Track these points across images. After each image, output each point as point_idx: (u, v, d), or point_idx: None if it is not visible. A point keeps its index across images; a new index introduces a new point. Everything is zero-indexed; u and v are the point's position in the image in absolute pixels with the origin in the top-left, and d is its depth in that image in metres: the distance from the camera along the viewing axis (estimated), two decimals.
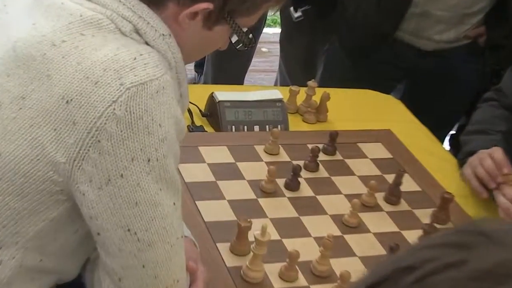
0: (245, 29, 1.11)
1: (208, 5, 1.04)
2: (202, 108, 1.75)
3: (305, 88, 1.81)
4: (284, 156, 1.63)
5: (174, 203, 1.05)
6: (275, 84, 2.85)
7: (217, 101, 1.69)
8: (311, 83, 1.81)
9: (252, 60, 2.91)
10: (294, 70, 2.71)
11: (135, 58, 1.00)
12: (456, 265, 0.34)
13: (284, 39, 2.75)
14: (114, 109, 0.98)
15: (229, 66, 2.75)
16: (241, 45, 1.13)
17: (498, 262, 0.33)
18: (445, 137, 2.39)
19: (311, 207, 1.49)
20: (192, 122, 1.69)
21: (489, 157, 1.50)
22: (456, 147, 2.07)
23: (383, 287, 0.36)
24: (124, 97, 0.98)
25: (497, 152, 1.51)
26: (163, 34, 1.05)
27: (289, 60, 2.76)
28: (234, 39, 1.12)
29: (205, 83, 2.93)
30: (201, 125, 1.70)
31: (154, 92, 0.99)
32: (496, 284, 0.32)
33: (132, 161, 0.99)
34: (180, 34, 1.08)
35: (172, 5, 1.05)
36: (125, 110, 0.98)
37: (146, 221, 1.02)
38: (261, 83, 3.35)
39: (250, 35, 1.13)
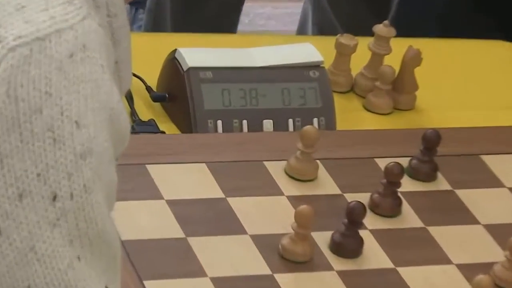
0: None
1: None
2: (153, 84, 1.77)
3: (369, 40, 1.83)
4: (327, 184, 1.67)
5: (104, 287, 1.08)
6: (300, 31, 2.88)
7: (185, 68, 1.72)
8: (381, 28, 1.82)
9: None
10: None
11: None
12: None
13: None
14: None
15: None
16: None
17: None
18: None
19: None
20: (134, 113, 1.72)
21: None
22: None
23: None
24: (3, 67, 1.01)
25: None
26: None
27: None
28: None
29: (154, 29, 2.95)
30: (151, 120, 1.74)
31: (65, 57, 1.01)
32: None
33: (20, 200, 1.00)
34: None
35: None
36: (6, 94, 1.00)
37: None
38: (273, 28, 3.35)
39: None
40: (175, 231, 1.53)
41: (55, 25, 1.00)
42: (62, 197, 1.00)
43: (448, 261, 1.57)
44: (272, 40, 2.13)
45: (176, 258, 1.50)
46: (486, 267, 1.52)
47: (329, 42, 1.87)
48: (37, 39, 0.99)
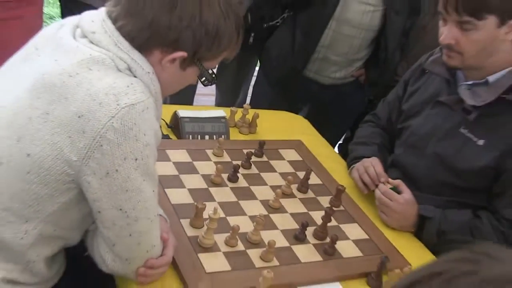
0: (210, 71, 1.11)
1: (184, 54, 1.05)
2: (168, 121, 1.69)
3: (241, 109, 1.77)
4: (227, 158, 1.58)
5: (153, 190, 1.06)
6: (216, 103, 2.83)
7: (179, 117, 1.65)
8: (246, 105, 1.80)
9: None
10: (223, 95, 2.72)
11: (128, 86, 1.01)
12: (472, 273, 0.35)
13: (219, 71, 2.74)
14: (112, 122, 0.97)
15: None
16: (206, 81, 1.12)
17: (501, 273, 0.34)
18: (335, 145, 2.39)
19: (247, 194, 1.46)
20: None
21: (371, 167, 1.51)
22: (343, 152, 2.02)
23: (420, 286, 0.37)
24: (120, 114, 0.98)
25: (378, 166, 1.51)
26: (148, 72, 1.04)
27: (221, 86, 2.77)
28: (201, 77, 1.12)
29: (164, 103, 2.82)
30: (167, 134, 1.64)
31: (141, 111, 1.00)
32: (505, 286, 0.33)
33: (124, 160, 0.99)
34: (161, 73, 1.07)
35: (157, 52, 1.05)
36: (121, 123, 0.98)
37: (133, 203, 1.03)
38: (205, 103, 3.28)
39: (213, 75, 1.13)
40: (175, 172, 1.44)
41: (138, 99, 0.99)
42: (139, 159, 1.00)
43: (266, 184, 1.51)
44: (209, 108, 2.01)
45: (175, 181, 1.42)
46: (279, 187, 1.48)
47: (228, 109, 1.80)
48: (131, 104, 0.97)
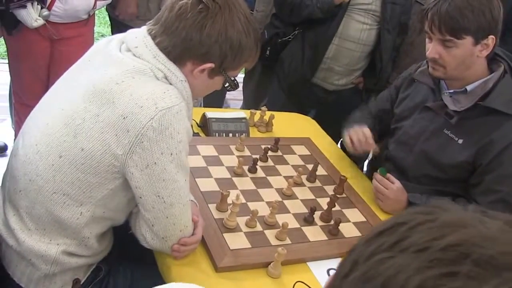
0: (232, 78, 1.08)
1: (212, 65, 1.03)
2: (198, 121, 1.66)
3: (259, 111, 1.74)
4: (247, 152, 1.54)
5: (185, 180, 1.04)
6: (241, 107, 2.80)
7: (207, 117, 1.62)
8: (263, 108, 1.73)
9: (228, 93, 2.80)
10: (248, 99, 2.69)
11: (164, 92, 0.99)
12: (432, 220, 0.35)
13: (245, 81, 2.71)
14: (152, 123, 0.95)
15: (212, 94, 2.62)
16: (229, 87, 1.10)
17: (455, 218, 0.35)
18: (338, 141, 2.36)
19: (264, 183, 1.42)
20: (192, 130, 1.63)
21: (360, 130, 1.49)
22: (345, 148, 2.03)
23: (388, 233, 0.36)
24: (158, 115, 0.96)
25: (366, 130, 1.49)
26: (181, 80, 1.02)
27: (246, 93, 2.73)
28: (225, 84, 1.10)
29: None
30: (197, 132, 1.61)
31: (175, 113, 0.98)
32: (460, 228, 0.33)
33: (161, 155, 0.97)
34: (193, 81, 1.05)
35: (189, 64, 1.03)
36: (158, 123, 0.96)
37: (169, 190, 1.01)
38: (233, 106, 3.24)
39: (236, 82, 1.10)
40: (203, 164, 1.40)
41: (173, 103, 0.96)
42: (173, 154, 0.96)
43: (280, 175, 1.46)
44: (233, 110, 1.94)
45: (204, 172, 1.36)
46: (291, 177, 1.43)
47: (248, 111, 1.75)
48: (168, 107, 0.95)
